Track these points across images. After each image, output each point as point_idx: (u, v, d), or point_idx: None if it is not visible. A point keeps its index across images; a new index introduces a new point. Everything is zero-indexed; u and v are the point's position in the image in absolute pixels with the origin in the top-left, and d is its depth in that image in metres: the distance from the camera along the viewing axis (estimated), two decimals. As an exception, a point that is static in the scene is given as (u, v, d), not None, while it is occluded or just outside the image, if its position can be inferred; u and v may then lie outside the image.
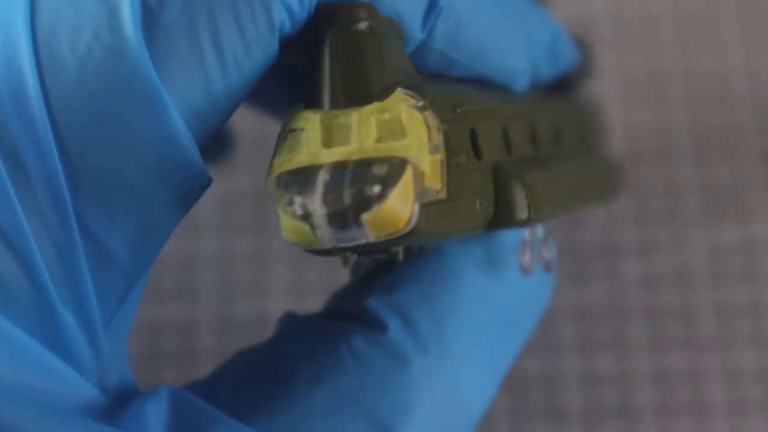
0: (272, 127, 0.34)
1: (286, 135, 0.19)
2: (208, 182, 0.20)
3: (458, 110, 0.21)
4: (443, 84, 0.22)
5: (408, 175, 0.18)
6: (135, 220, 0.19)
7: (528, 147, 0.23)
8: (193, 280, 0.32)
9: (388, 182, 0.18)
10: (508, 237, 0.24)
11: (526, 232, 0.24)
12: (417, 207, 0.19)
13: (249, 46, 0.19)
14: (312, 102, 0.20)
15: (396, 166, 0.18)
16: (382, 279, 0.23)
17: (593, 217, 0.33)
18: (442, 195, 0.19)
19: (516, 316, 0.25)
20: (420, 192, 0.19)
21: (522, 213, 0.21)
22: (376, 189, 0.18)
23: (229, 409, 0.21)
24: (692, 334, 0.32)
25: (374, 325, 0.22)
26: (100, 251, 0.19)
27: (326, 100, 0.19)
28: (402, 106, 0.19)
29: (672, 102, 0.34)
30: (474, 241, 0.23)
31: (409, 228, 0.19)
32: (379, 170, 0.18)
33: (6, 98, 0.19)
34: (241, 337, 0.31)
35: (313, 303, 0.31)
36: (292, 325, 0.23)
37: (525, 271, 0.25)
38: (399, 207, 0.18)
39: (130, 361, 0.32)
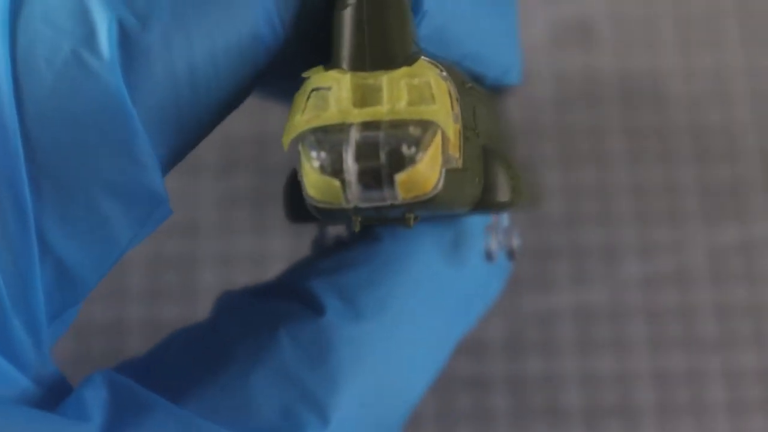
0: (272, 127, 0.34)
1: (310, 93, 0.19)
2: (168, 212, 0.20)
3: (466, 86, 0.21)
4: (453, 66, 0.22)
5: (438, 139, 0.19)
6: (93, 237, 0.19)
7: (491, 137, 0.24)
8: (193, 280, 0.32)
9: (423, 144, 0.18)
10: (474, 223, 0.24)
11: (491, 219, 0.25)
12: (443, 172, 0.19)
13: (220, 74, 0.20)
14: (335, 63, 0.20)
15: (429, 130, 0.19)
16: (333, 258, 0.23)
17: (593, 217, 0.33)
18: (459, 164, 0.20)
19: (467, 302, 0.25)
20: (446, 158, 0.19)
21: (504, 195, 0.22)
22: (412, 150, 0.18)
23: (166, 388, 0.21)
24: (692, 334, 0.32)
25: (313, 307, 0.22)
26: (55, 263, 0.19)
27: (352, 62, 0.19)
28: (430, 72, 0.19)
29: (671, 102, 0.34)
30: (439, 225, 0.24)
31: (435, 192, 0.19)
32: (414, 132, 0.18)
33: None
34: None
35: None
36: (231, 305, 0.24)
37: (489, 257, 0.25)
38: (430, 170, 0.18)
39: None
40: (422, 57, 0.20)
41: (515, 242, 0.26)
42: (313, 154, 0.19)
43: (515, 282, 0.31)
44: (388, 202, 0.19)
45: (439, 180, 0.19)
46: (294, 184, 0.23)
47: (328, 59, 0.20)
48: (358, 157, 0.18)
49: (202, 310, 0.32)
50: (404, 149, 0.18)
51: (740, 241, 0.33)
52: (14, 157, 0.19)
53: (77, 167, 0.19)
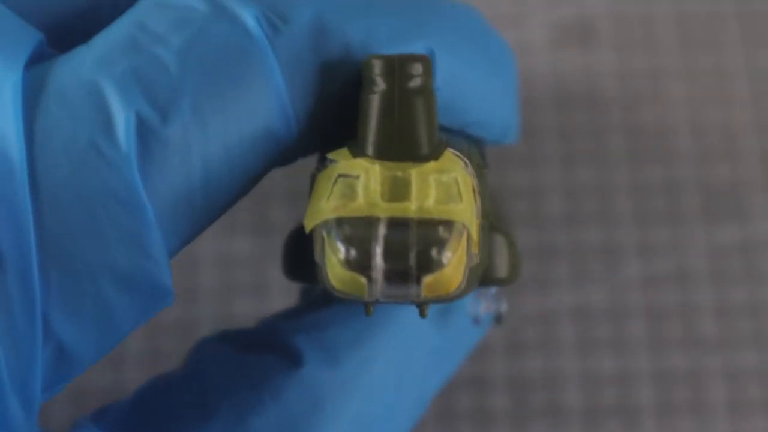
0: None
1: (337, 179, 0.19)
2: (170, 303, 0.20)
3: (482, 171, 0.21)
4: (455, 138, 0.22)
5: (464, 241, 0.19)
6: (96, 324, 0.19)
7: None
8: (193, 280, 0.32)
9: (451, 247, 0.18)
10: None
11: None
12: (467, 272, 0.19)
13: (233, 167, 0.20)
14: (362, 149, 0.19)
15: (457, 232, 0.19)
16: (319, 314, 0.24)
17: (593, 217, 0.33)
18: (478, 259, 0.20)
19: (449, 357, 0.25)
20: (469, 257, 0.19)
21: (504, 273, 0.22)
22: (441, 253, 0.18)
23: None
24: (692, 334, 0.32)
25: (297, 363, 0.23)
26: (56, 345, 0.19)
27: (380, 150, 0.19)
28: (457, 168, 0.19)
29: (672, 102, 0.34)
30: None
31: (458, 292, 0.19)
32: (444, 234, 0.18)
33: None
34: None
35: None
36: (213, 354, 0.24)
37: (476, 322, 0.25)
38: (455, 272, 0.19)
39: (131, 361, 0.32)
40: (448, 149, 0.20)
41: (503, 308, 0.26)
42: (340, 247, 0.18)
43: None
44: (410, 300, 0.19)
45: (462, 281, 0.19)
46: (295, 245, 0.23)
47: (340, 139, 0.20)
48: (387, 256, 0.18)
49: (202, 310, 0.32)
50: (433, 252, 0.18)
51: (740, 241, 0.33)
52: (26, 244, 0.19)
53: (87, 256, 0.19)
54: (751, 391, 0.32)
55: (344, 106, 0.21)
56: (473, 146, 0.23)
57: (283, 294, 0.32)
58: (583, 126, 0.34)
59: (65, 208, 0.19)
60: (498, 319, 0.26)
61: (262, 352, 0.23)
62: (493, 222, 0.22)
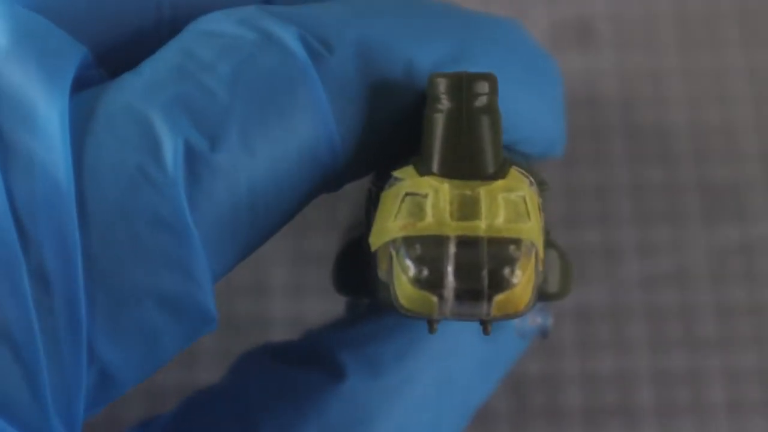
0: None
1: (404, 197, 0.19)
2: (214, 328, 0.20)
3: (543, 187, 0.21)
4: (514, 155, 0.22)
5: (533, 259, 0.19)
6: (140, 349, 0.19)
7: None
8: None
9: (521, 266, 0.18)
10: None
11: None
12: (536, 291, 0.19)
13: (279, 193, 0.20)
14: (428, 167, 0.19)
15: (527, 251, 0.19)
16: (364, 327, 0.23)
17: (593, 217, 0.33)
18: (543, 277, 0.20)
19: (493, 371, 0.25)
20: (537, 275, 0.19)
21: (556, 287, 0.22)
22: (512, 272, 0.18)
23: None
24: (692, 334, 0.32)
25: (339, 378, 0.23)
26: (100, 370, 0.19)
27: (448, 169, 0.19)
28: (524, 186, 0.19)
29: (672, 102, 0.34)
30: None
31: (526, 311, 0.19)
32: (515, 253, 0.18)
33: (43, 218, 0.19)
34: (241, 337, 0.31)
35: (312, 303, 0.31)
36: (255, 368, 0.24)
37: (522, 336, 0.25)
38: (525, 291, 0.19)
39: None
40: (513, 166, 0.19)
41: (548, 321, 0.26)
42: (411, 266, 0.18)
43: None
44: (478, 318, 0.19)
45: (531, 299, 0.19)
46: (347, 260, 0.23)
47: (388, 164, 0.20)
48: (458, 275, 0.18)
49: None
50: (505, 271, 0.18)
51: (740, 241, 0.33)
52: (73, 269, 0.19)
53: (133, 280, 0.19)
54: (751, 391, 0.32)
55: (392, 132, 0.21)
56: (525, 158, 0.23)
57: (283, 294, 0.32)
58: (583, 126, 0.34)
59: (112, 233, 0.19)
60: (544, 332, 0.26)
61: (305, 366, 0.23)
62: (547, 237, 0.22)
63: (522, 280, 0.18)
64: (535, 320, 0.25)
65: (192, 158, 0.19)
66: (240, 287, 0.32)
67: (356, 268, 0.21)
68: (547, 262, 0.21)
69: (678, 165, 0.34)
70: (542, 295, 0.21)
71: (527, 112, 0.23)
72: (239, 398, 0.23)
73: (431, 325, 0.19)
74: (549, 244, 0.21)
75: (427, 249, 0.18)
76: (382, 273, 0.19)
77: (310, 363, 0.23)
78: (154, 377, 0.31)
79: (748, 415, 0.31)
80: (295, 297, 0.32)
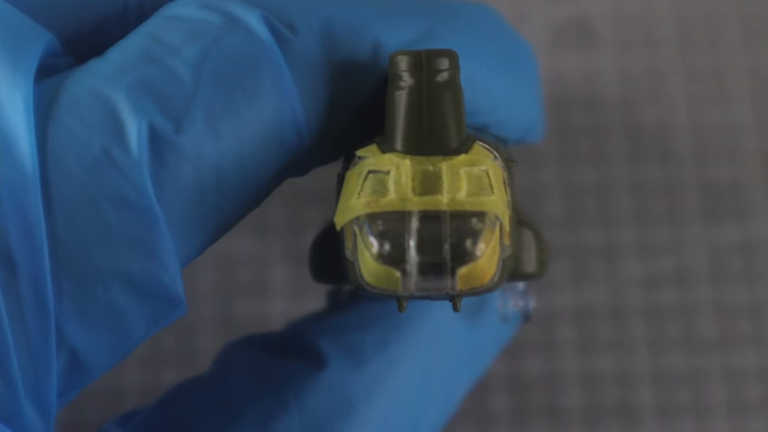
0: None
1: (367, 175, 0.19)
2: (183, 312, 0.20)
3: (511, 164, 0.21)
4: (481, 133, 0.22)
5: (497, 232, 0.19)
6: (108, 332, 0.19)
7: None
8: (193, 280, 0.32)
9: (484, 238, 0.18)
10: None
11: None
12: (501, 263, 0.19)
13: (245, 175, 0.20)
14: (391, 145, 0.19)
15: (490, 223, 0.19)
16: (345, 315, 0.23)
17: (593, 217, 0.33)
18: (510, 251, 0.20)
19: (479, 357, 0.25)
20: (502, 248, 0.19)
21: (533, 267, 0.22)
22: (475, 244, 0.18)
23: None
24: (692, 334, 0.32)
25: (321, 366, 0.23)
26: (70, 354, 0.19)
27: (410, 145, 0.19)
28: (488, 160, 0.19)
29: (672, 102, 0.34)
30: None
31: (492, 283, 0.19)
32: (477, 225, 0.18)
33: (7, 200, 0.19)
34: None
35: (312, 303, 0.31)
36: (237, 359, 0.24)
37: (505, 319, 0.25)
38: (489, 263, 0.19)
39: (131, 361, 0.32)
40: (477, 141, 0.20)
41: (531, 304, 0.26)
42: (374, 242, 0.18)
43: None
44: (445, 292, 0.19)
45: (496, 272, 0.19)
46: (322, 247, 0.23)
47: (367, 137, 0.20)
48: (420, 249, 0.18)
49: (202, 310, 0.32)
50: (467, 243, 0.18)
51: (740, 241, 0.33)
52: (39, 252, 0.19)
53: (99, 263, 0.19)
54: (751, 391, 0.32)
55: (358, 114, 0.21)
56: (499, 141, 0.23)
57: (283, 294, 0.32)
58: (583, 126, 0.34)
59: (77, 216, 0.19)
60: (527, 315, 0.26)
61: (287, 356, 0.23)
62: (520, 216, 0.22)
63: (486, 252, 0.18)
64: (517, 303, 0.26)
65: (157, 140, 0.19)
66: (240, 287, 0.32)
67: (331, 254, 0.21)
68: (522, 241, 0.21)
69: (678, 165, 0.34)
70: (519, 276, 0.21)
71: (502, 94, 0.23)
72: (221, 388, 0.23)
73: (400, 302, 0.19)
74: (522, 223, 0.22)
75: (390, 224, 0.19)
76: (348, 252, 0.19)
77: (291, 352, 0.23)
78: (157, 376, 0.31)
79: (748, 415, 0.31)
80: (295, 297, 0.32)
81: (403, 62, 0.20)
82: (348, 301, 0.25)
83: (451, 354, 0.24)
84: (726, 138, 0.34)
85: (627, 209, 0.33)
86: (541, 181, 0.33)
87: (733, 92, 0.34)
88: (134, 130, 0.19)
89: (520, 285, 0.26)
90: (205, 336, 0.32)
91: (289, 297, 0.32)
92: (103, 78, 0.19)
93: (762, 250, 0.33)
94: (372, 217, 0.19)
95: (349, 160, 0.20)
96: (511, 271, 0.21)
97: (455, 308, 0.20)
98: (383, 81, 0.20)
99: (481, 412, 0.31)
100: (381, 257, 0.18)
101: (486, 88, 0.22)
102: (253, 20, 0.20)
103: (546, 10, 0.35)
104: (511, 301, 0.25)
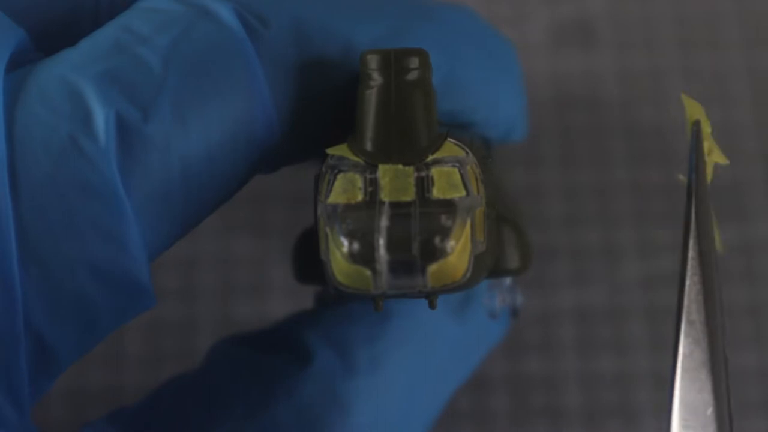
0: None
1: (336, 175, 0.19)
2: (151, 304, 0.20)
3: (487, 161, 0.21)
4: (458, 129, 0.22)
5: (468, 228, 0.19)
6: (76, 321, 0.19)
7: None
8: (193, 280, 0.32)
9: (454, 235, 0.18)
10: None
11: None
12: (472, 259, 0.19)
13: (213, 168, 0.20)
14: (360, 145, 0.19)
15: (460, 219, 0.19)
16: (333, 312, 0.24)
17: (593, 217, 0.33)
18: (483, 247, 0.20)
19: (468, 354, 0.25)
20: (474, 244, 0.19)
21: (515, 263, 0.22)
22: (444, 241, 0.18)
23: None
24: (692, 334, 0.32)
25: (307, 359, 0.23)
26: (38, 343, 0.19)
27: (379, 145, 0.19)
28: (460, 157, 0.19)
29: (672, 102, 0.34)
30: None
31: (464, 280, 0.19)
32: (446, 222, 0.18)
33: None
34: (241, 337, 0.31)
35: (312, 303, 0.31)
36: (226, 355, 0.24)
37: (492, 315, 0.25)
38: (460, 260, 0.19)
39: (131, 361, 0.32)
40: (448, 139, 0.20)
41: (518, 300, 0.26)
42: (344, 241, 0.18)
43: (515, 282, 0.31)
44: (417, 290, 0.19)
45: (468, 268, 0.19)
46: (303, 248, 0.23)
47: (328, 144, 0.20)
48: (390, 247, 0.18)
49: (202, 310, 0.32)
50: (436, 240, 0.18)
51: (740, 241, 0.33)
52: (6, 240, 0.19)
53: (66, 251, 0.19)
54: (751, 391, 0.32)
55: (329, 111, 0.21)
56: (476, 137, 0.23)
57: (283, 294, 0.32)
58: (583, 126, 0.34)
59: (44, 204, 0.19)
60: (514, 312, 0.26)
61: (274, 351, 0.23)
62: (500, 212, 0.22)
63: (456, 248, 0.18)
64: (504, 299, 0.25)
65: (124, 129, 0.19)
66: (240, 287, 0.32)
67: (310, 256, 0.21)
68: (503, 237, 0.21)
69: (678, 165, 0.34)
70: (502, 271, 0.22)
71: (483, 92, 0.23)
72: (209, 384, 0.23)
73: (376, 302, 0.19)
74: (503, 219, 0.21)
75: (359, 223, 0.19)
76: (322, 253, 0.19)
77: (279, 348, 0.23)
78: (156, 376, 0.31)
79: (748, 415, 0.31)
80: (295, 297, 0.32)
81: (372, 61, 0.20)
82: (335, 301, 0.25)
83: (440, 348, 0.24)
84: (726, 138, 0.34)
85: (627, 209, 0.33)
86: (541, 181, 0.33)
87: (733, 92, 0.34)
88: (101, 119, 0.19)
89: (507, 281, 0.26)
90: (205, 336, 0.32)
91: (289, 297, 0.32)
92: (73, 66, 0.19)
93: (762, 250, 0.33)
94: (342, 217, 0.19)
95: (324, 160, 0.20)
96: (493, 268, 0.21)
97: (431, 305, 0.20)
98: (355, 78, 0.20)
99: (481, 412, 0.31)
100: (351, 256, 0.18)
101: (464, 87, 0.22)
102: (225, 12, 0.20)
103: (546, 10, 0.35)
104: (498, 297, 0.25)
